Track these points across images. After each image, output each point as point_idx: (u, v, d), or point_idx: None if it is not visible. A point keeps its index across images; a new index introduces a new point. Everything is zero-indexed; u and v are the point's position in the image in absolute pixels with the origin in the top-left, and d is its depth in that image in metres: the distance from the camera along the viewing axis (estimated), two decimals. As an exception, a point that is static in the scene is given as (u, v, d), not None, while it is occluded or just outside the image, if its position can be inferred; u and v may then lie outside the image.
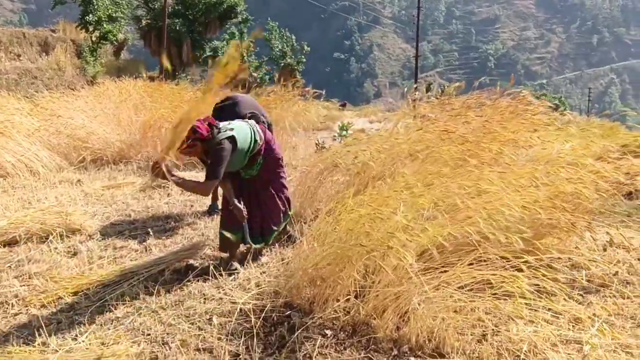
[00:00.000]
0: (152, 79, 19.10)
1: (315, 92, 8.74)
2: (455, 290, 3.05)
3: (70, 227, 4.84)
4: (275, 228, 4.19)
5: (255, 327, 3.10)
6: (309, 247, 3.44)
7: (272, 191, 4.13)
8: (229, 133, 3.78)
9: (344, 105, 30.40)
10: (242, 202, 3.98)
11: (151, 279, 3.79)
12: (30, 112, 8.94)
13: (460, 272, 2.97)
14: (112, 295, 3.58)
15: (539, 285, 2.95)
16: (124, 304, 3.46)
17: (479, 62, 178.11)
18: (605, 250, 4.00)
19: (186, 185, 3.80)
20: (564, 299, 3.22)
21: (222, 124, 3.84)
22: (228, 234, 4.03)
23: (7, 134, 7.74)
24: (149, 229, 4.91)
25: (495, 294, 2.99)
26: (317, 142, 8.48)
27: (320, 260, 3.27)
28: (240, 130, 3.89)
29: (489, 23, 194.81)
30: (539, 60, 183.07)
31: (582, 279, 3.36)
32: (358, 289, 3.27)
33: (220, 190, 4.65)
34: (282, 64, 34.74)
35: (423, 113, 5.40)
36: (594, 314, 3.12)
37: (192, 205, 5.74)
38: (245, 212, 3.95)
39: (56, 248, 4.49)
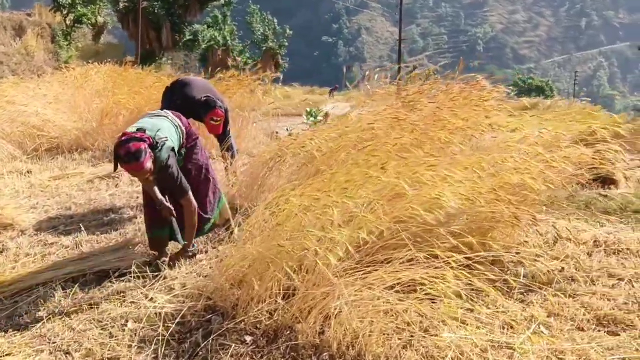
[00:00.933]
0: (122, 63, 18.61)
1: (273, 75, 8.44)
2: (385, 290, 2.85)
3: (1, 222, 4.57)
4: (207, 216, 3.95)
5: (169, 332, 2.88)
6: (234, 245, 3.22)
7: (196, 178, 3.88)
8: (169, 144, 3.48)
9: (334, 90, 29.75)
10: (167, 199, 3.72)
11: (72, 280, 3.55)
12: (-15, 99, 8.58)
13: (386, 271, 2.76)
14: (27, 298, 3.34)
15: (473, 284, 2.76)
16: (36, 308, 3.22)
17: (468, 45, 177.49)
18: (555, 243, 3.81)
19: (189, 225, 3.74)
20: (503, 298, 3.02)
21: (149, 130, 3.45)
22: (155, 233, 3.81)
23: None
24: (86, 223, 4.67)
25: (428, 294, 2.79)
26: (276, 130, 8.21)
27: (240, 260, 3.05)
28: (169, 133, 3.57)
29: (477, 6, 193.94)
30: (527, 44, 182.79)
31: (521, 277, 3.16)
32: (284, 290, 3.05)
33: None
34: (264, 48, 34.24)
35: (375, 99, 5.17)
36: (531, 315, 2.92)
37: (137, 197, 5.47)
38: (172, 210, 3.69)
39: (-17, 245, 4.24)
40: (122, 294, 3.31)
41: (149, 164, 3.28)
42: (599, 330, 2.82)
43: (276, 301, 2.99)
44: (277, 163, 4.61)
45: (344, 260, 2.91)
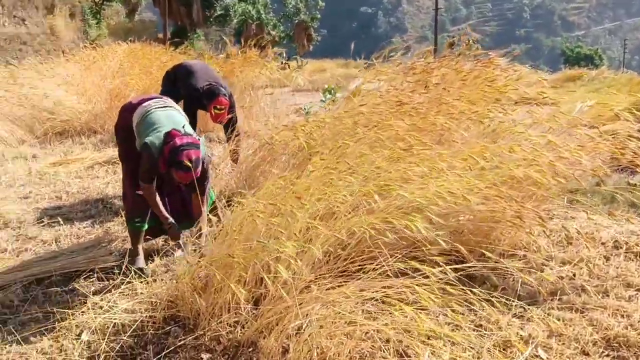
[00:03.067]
0: (152, 41, 18.47)
1: (275, 52, 8.07)
2: (363, 302, 2.51)
3: (-15, 214, 4.41)
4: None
5: (121, 346, 2.62)
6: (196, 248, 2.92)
7: None
8: (202, 139, 3.41)
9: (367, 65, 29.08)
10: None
11: (36, 282, 3.33)
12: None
13: (354, 285, 2.40)
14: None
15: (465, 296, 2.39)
16: (-10, 316, 2.99)
17: (514, 12, 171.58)
18: (569, 244, 3.35)
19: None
20: (497, 313, 2.63)
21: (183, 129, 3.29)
22: (134, 225, 3.53)
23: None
24: (73, 215, 4.48)
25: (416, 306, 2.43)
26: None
27: (197, 270, 2.74)
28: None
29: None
30: (576, 10, 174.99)
31: (518, 287, 2.75)
32: (252, 299, 2.75)
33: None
34: (296, 21, 33.60)
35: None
36: (529, 335, 2.52)
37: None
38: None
39: (-37, 240, 4.07)
40: (83, 300, 3.07)
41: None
42: (607, 355, 2.40)
43: (239, 312, 2.70)
44: (269, 153, 4.27)
45: (311, 271, 2.58)
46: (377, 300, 2.44)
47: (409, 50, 5.88)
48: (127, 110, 3.55)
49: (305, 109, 8.55)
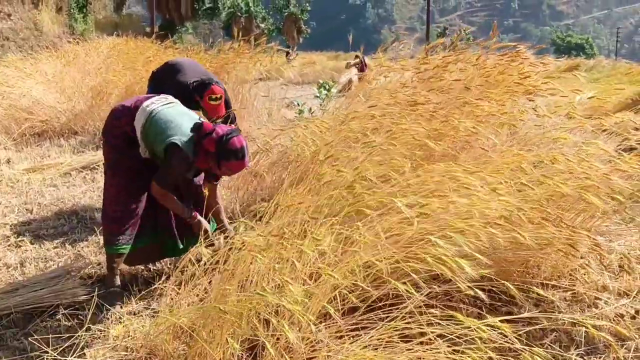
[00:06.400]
0: (141, 35, 17.77)
1: (272, 46, 7.55)
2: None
3: (-58, 234, 3.87)
4: None
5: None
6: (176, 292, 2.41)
7: None
8: None
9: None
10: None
11: (-8, 322, 2.81)
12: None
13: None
14: None
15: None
16: None
17: (503, 3, 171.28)
18: (625, 271, 2.85)
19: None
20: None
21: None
22: (117, 248, 2.99)
23: None
24: (43, 232, 3.96)
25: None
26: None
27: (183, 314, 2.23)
28: None
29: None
30: None
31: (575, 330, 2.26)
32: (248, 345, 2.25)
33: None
34: (286, 13, 32.88)
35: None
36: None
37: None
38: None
39: None
40: (44, 348, 2.54)
41: None
42: None
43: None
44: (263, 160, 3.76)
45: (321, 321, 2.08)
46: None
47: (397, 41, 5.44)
48: (122, 114, 2.99)
49: (298, 104, 8.01)
